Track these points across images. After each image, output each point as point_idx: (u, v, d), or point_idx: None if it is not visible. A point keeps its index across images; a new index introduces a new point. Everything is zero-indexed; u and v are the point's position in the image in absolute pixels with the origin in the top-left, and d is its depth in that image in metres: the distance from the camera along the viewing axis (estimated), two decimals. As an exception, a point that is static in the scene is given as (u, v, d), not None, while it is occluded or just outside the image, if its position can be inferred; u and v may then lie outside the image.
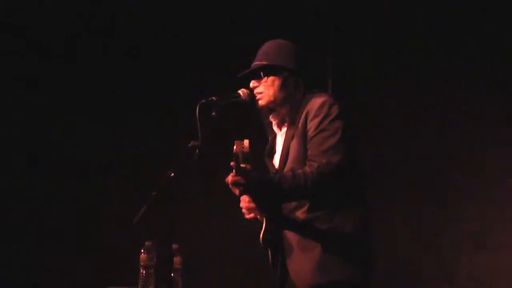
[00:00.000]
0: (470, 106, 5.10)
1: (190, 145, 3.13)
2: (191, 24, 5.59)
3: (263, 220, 3.25)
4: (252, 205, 3.25)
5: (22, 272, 5.49)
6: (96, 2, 5.64)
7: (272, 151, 3.38)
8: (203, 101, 3.19)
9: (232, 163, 2.93)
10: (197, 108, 3.16)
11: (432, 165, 5.19)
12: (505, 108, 5.04)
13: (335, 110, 3.14)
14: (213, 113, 3.19)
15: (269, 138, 3.40)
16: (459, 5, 5.09)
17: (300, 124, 3.18)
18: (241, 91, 3.31)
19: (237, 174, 2.94)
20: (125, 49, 5.61)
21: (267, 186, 3.03)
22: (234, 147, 2.92)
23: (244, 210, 3.29)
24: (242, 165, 2.92)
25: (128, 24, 5.61)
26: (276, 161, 3.32)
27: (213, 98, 3.21)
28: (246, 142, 2.93)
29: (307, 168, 3.05)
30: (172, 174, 3.13)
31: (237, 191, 3.02)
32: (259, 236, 3.25)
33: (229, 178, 2.99)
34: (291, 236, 3.20)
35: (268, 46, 3.33)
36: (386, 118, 5.23)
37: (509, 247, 4.99)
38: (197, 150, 3.11)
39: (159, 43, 5.63)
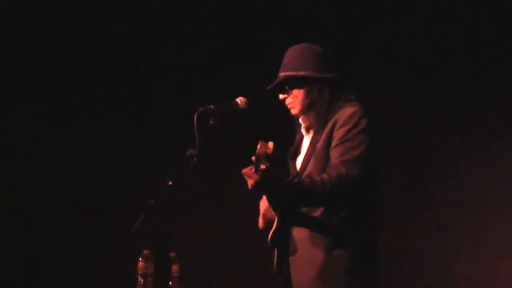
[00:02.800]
0: (472, 110, 5.09)
1: (188, 153, 3.14)
2: (188, 31, 5.60)
3: (274, 220, 3.26)
4: (269, 214, 3.28)
5: (18, 279, 5.48)
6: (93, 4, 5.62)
7: (297, 153, 3.37)
8: (201, 109, 3.20)
9: (252, 158, 2.91)
10: (195, 116, 3.17)
11: (431, 170, 5.19)
12: (505, 113, 5.05)
13: (363, 123, 3.12)
14: (211, 122, 3.20)
15: (296, 138, 3.41)
16: (459, 6, 5.10)
17: (326, 131, 3.17)
18: (239, 99, 3.31)
19: (255, 172, 2.91)
20: (124, 53, 5.60)
21: (285, 187, 3.01)
22: (258, 147, 2.89)
23: (260, 218, 3.34)
24: (262, 166, 2.88)
25: (127, 29, 5.61)
26: (299, 163, 3.31)
27: (211, 106, 3.22)
28: (270, 144, 2.90)
29: (325, 176, 3.04)
30: (170, 183, 3.14)
31: (251, 182, 2.96)
32: (268, 235, 3.26)
33: (245, 170, 2.96)
34: (298, 239, 3.20)
35: (292, 54, 3.32)
36: (387, 120, 5.22)
37: (508, 253, 4.99)
38: (195, 159, 3.12)
39: (156, 50, 5.64)
